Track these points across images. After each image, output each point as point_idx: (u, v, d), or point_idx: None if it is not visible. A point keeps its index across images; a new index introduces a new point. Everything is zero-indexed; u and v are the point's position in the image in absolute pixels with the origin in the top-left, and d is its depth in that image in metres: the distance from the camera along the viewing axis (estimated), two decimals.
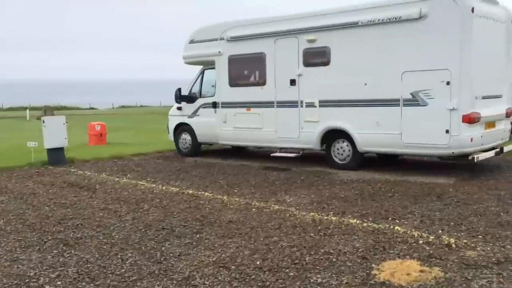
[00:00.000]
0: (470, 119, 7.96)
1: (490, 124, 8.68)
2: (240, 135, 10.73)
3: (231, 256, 4.73)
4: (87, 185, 8.44)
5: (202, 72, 11.64)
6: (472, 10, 7.81)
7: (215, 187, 8.15)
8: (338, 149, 9.47)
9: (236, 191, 7.79)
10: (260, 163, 10.37)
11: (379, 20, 8.59)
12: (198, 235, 5.41)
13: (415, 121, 8.38)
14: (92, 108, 49.96)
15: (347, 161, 9.38)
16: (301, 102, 9.70)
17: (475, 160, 8.06)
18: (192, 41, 11.47)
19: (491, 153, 8.59)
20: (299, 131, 9.78)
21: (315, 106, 9.53)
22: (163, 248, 4.99)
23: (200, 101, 11.54)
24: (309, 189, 7.76)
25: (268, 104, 10.20)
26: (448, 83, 7.99)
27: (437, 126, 8.13)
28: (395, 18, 8.41)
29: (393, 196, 7.09)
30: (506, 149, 8.92)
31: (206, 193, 7.64)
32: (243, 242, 5.15)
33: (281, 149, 10.24)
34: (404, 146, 8.53)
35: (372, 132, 8.87)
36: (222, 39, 10.80)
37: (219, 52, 10.84)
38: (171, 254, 4.80)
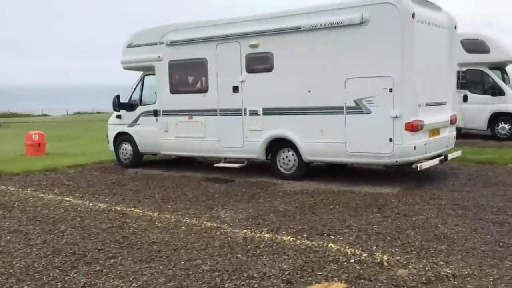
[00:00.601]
0: (413, 127, 7.75)
1: (435, 131, 8.54)
2: (183, 144, 10.18)
3: (143, 285, 4.21)
4: (5, 202, 7.68)
5: (143, 78, 11.03)
6: (413, 15, 7.63)
7: (148, 202, 7.59)
8: (283, 158, 9.09)
9: (169, 206, 7.26)
10: (204, 174, 9.87)
11: (321, 25, 8.30)
12: (112, 261, 4.86)
13: (359, 130, 8.11)
14: (45, 115, 47.93)
15: (292, 171, 9.01)
16: (245, 110, 9.28)
17: (418, 169, 7.85)
18: (130, 45, 10.86)
19: (436, 161, 8.43)
20: (243, 140, 9.35)
21: (259, 114, 9.13)
22: (67, 278, 4.41)
23: (140, 109, 10.92)
24: (249, 202, 7.33)
25: (210, 112, 9.73)
26: (390, 90, 7.76)
27: (381, 135, 7.88)
28: (337, 23, 8.14)
29: (334, 209, 6.76)
30: (450, 156, 8.80)
31: (136, 210, 7.08)
32: (161, 267, 4.64)
33: (225, 159, 9.79)
34: (349, 155, 8.25)
35: (316, 141, 8.54)
36: (162, 43, 10.25)
37: (159, 57, 10.28)
38: (74, 286, 4.24)
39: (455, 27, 9.16)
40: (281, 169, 9.13)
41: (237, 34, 9.22)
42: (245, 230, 5.83)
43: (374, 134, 7.95)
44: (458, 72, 15.52)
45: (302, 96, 8.62)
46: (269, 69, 8.96)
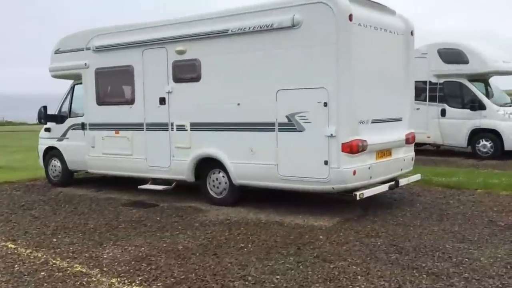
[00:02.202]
0: (352, 148, 6.58)
1: (384, 152, 7.36)
2: (110, 162, 9.00)
3: None
4: None
5: (72, 88, 9.90)
6: (350, 17, 6.49)
7: (35, 234, 6.39)
8: (213, 181, 7.89)
9: (55, 240, 6.07)
10: (130, 197, 8.68)
11: (250, 28, 7.17)
12: None
13: (292, 150, 6.93)
14: None
15: (223, 196, 7.81)
16: (172, 124, 8.19)
17: (358, 197, 6.61)
18: (57, 51, 9.77)
19: (383, 188, 7.21)
20: (170, 159, 8.22)
21: (186, 130, 8.00)
22: None
23: (69, 122, 9.79)
24: (151, 236, 6.14)
25: (137, 127, 8.59)
26: (325, 104, 6.60)
27: (315, 157, 6.71)
28: (267, 26, 7.00)
29: (244, 248, 5.56)
30: (402, 182, 7.59)
31: (10, 245, 5.88)
32: None
33: (153, 181, 8.64)
34: (281, 179, 7.05)
35: (247, 162, 7.36)
36: (88, 49, 9.16)
37: (85, 64, 9.18)
38: None
39: (412, 33, 8.03)
40: (212, 193, 7.94)
41: (163, 39, 8.08)
42: (113, 280, 4.63)
43: (308, 155, 6.78)
44: (436, 84, 14.56)
45: (231, 109, 7.47)
46: (197, 79, 7.82)
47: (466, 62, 13.74)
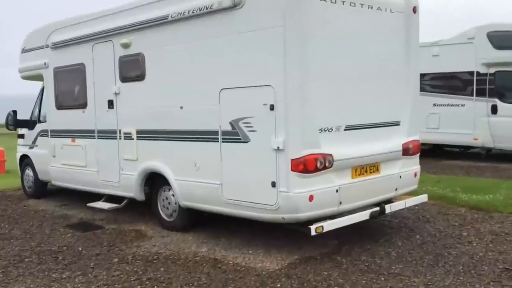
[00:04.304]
0: (306, 166, 4.87)
1: (367, 168, 5.59)
2: (67, 174, 7.91)
3: None
4: None
5: (42, 90, 9.06)
6: None
7: None
8: (163, 200, 6.58)
9: None
10: (87, 214, 7.56)
11: (189, 11, 5.69)
12: None
13: (236, 166, 5.38)
14: None
15: (173, 218, 6.43)
16: (120, 132, 6.95)
17: (312, 233, 4.88)
18: (23, 50, 8.86)
19: (360, 217, 5.42)
20: (119, 172, 7.02)
21: (133, 139, 6.72)
22: None
23: (38, 128, 8.89)
24: (46, 277, 4.90)
25: (89, 134, 7.41)
26: (271, 107, 5.01)
27: (261, 176, 5.10)
28: (206, 8, 5.48)
29: None
30: (389, 208, 5.71)
31: None
32: None
33: (105, 197, 7.47)
34: (226, 203, 5.50)
35: (191, 179, 5.90)
36: (47, 46, 8.18)
37: (45, 63, 8.16)
38: None
39: (414, 10, 6.15)
40: (162, 214, 6.58)
41: (109, 30, 6.82)
42: None
43: (253, 174, 5.19)
44: (485, 75, 12.11)
45: (174, 114, 6.04)
46: (141, 77, 6.48)
47: None
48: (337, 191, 5.16)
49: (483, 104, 11.88)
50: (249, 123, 5.19)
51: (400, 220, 6.55)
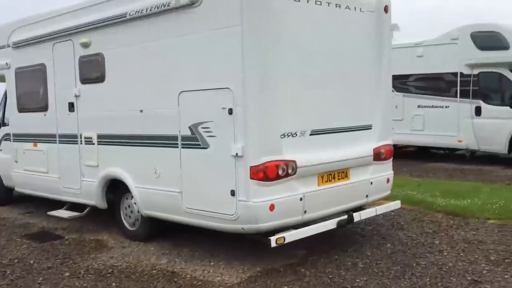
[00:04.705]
0: (266, 173, 4.55)
1: (335, 174, 5.30)
2: (30, 180, 7.54)
3: None
4: None
5: (6, 92, 8.72)
6: None
7: None
8: (126, 208, 6.25)
9: None
10: (50, 223, 7.16)
11: (147, 9, 5.37)
12: None
13: (196, 174, 5.07)
14: None
15: (136, 228, 6.12)
16: (81, 136, 6.63)
17: (273, 244, 4.57)
18: None
19: (326, 226, 5.09)
20: (80, 179, 6.69)
21: (94, 144, 6.41)
22: None
23: (2, 131, 8.52)
24: None
25: (51, 138, 7.06)
26: (230, 111, 4.74)
27: (220, 184, 4.80)
28: (164, 6, 5.15)
29: None
30: (359, 215, 5.38)
31: None
32: None
33: (68, 205, 7.14)
34: (187, 213, 5.18)
35: (152, 187, 5.59)
36: (9, 45, 7.82)
37: (7, 64, 7.76)
38: None
39: (386, 10, 5.88)
40: (125, 223, 6.27)
41: (69, 29, 6.50)
42: None
43: (213, 182, 4.89)
44: (469, 76, 11.88)
45: (134, 118, 5.72)
46: (101, 79, 6.16)
47: (506, 47, 10.94)
48: (301, 199, 4.87)
49: (467, 106, 11.64)
50: (208, 128, 4.89)
51: (373, 228, 6.28)
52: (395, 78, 13.10)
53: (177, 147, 5.22)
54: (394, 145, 12.67)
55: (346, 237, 5.88)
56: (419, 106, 12.58)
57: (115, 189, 6.28)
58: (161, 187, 5.44)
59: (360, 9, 5.59)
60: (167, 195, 5.37)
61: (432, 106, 12.34)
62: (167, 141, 5.34)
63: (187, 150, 5.13)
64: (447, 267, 4.73)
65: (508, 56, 10.89)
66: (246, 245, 5.53)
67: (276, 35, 4.69)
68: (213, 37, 4.75)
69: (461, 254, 5.10)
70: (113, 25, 5.83)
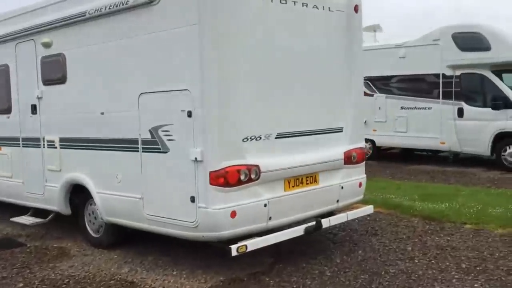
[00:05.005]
0: (227, 179, 4.34)
1: (303, 179, 5.10)
2: None
3: None
4: None
5: None
6: None
7: None
8: (90, 214, 6.02)
9: None
10: (14, 230, 6.85)
11: (106, 7, 5.15)
12: None
13: (156, 179, 4.85)
14: None
15: (100, 234, 5.89)
16: (43, 139, 6.37)
17: (234, 253, 4.34)
18: None
19: (294, 232, 4.85)
20: (44, 184, 6.44)
21: (56, 147, 6.15)
22: None
23: None
24: None
25: (14, 142, 6.77)
26: (189, 114, 4.53)
27: (181, 190, 4.58)
28: (123, 4, 4.94)
29: None
30: (328, 221, 5.18)
31: None
32: None
33: (32, 211, 6.88)
34: (148, 219, 4.95)
35: (113, 192, 5.35)
36: None
37: None
38: None
39: (356, 9, 5.68)
40: (89, 230, 6.03)
41: (31, 28, 6.24)
42: None
43: (173, 188, 4.67)
44: (451, 77, 11.76)
45: (95, 121, 5.50)
46: (63, 80, 5.90)
47: (487, 48, 10.83)
48: (265, 205, 4.66)
49: (449, 107, 11.51)
50: (168, 131, 4.67)
51: (347, 233, 6.09)
52: (378, 79, 13.50)
53: (138, 151, 4.99)
54: (378, 147, 13.35)
55: (317, 244, 5.69)
56: (402, 108, 12.45)
57: (79, 194, 6.07)
58: (122, 192, 5.20)
59: (329, 8, 5.40)
60: (128, 201, 5.14)
61: (415, 108, 12.21)
62: (127, 145, 5.11)
63: (148, 154, 4.90)
64: (416, 275, 4.55)
65: (490, 57, 10.79)
66: (212, 252, 5.33)
67: (237, 35, 4.48)
68: (171, 36, 4.54)
69: (433, 261, 4.92)
70: (73, 24, 5.60)
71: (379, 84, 12.95)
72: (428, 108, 11.97)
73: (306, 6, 5.15)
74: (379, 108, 12.87)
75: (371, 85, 13.00)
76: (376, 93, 12.92)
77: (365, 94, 13.48)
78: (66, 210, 6.17)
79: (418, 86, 12.21)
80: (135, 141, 5.01)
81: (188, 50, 4.40)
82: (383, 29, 14.22)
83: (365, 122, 13.52)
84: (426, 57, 11.87)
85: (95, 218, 5.84)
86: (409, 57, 12.20)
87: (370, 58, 13.36)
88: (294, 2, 5.00)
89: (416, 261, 4.95)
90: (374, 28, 14.19)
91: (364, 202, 7.48)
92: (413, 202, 7.47)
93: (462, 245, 5.40)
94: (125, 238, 5.82)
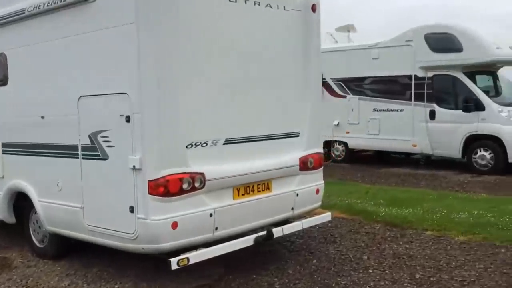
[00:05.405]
0: (168, 188, 4.07)
1: (254, 186, 4.85)
2: None
3: None
4: None
5: None
6: None
7: None
8: (34, 223, 5.66)
9: None
10: None
11: (45, 5, 4.84)
12: None
13: (96, 187, 4.57)
14: None
15: (45, 244, 5.57)
16: None
17: (174, 266, 4.07)
18: None
19: (243, 242, 4.59)
20: None
21: None
22: None
23: None
24: None
25: None
26: (127, 119, 4.28)
27: (119, 200, 4.31)
28: (61, 1, 4.65)
29: None
30: (281, 231, 4.92)
31: None
32: None
33: None
34: (89, 230, 4.68)
35: (54, 201, 5.02)
36: None
37: None
38: None
39: (314, 9, 5.46)
40: (34, 239, 5.68)
41: None
42: None
43: (112, 197, 4.41)
44: (423, 78, 11.64)
45: (36, 125, 5.18)
46: (4, 82, 5.55)
47: (459, 49, 10.74)
48: (211, 215, 4.41)
49: (421, 109, 11.40)
50: (107, 137, 4.40)
51: (304, 241, 5.88)
52: (351, 80, 13.34)
53: (78, 157, 4.72)
54: (351, 150, 13.20)
55: (273, 253, 5.47)
56: (374, 110, 12.31)
57: (23, 202, 5.75)
58: (63, 201, 4.89)
59: (284, 7, 5.17)
60: (69, 210, 4.84)
61: (388, 110, 12.07)
62: (68, 151, 4.81)
63: (87, 161, 4.62)
64: (367, 287, 4.38)
65: (462, 58, 10.71)
66: (161, 264, 5.07)
67: (180, 34, 4.23)
68: (109, 36, 4.27)
69: (387, 271, 4.73)
70: (13, 23, 5.27)
71: (352, 85, 12.81)
72: (401, 110, 11.85)
73: (259, 4, 4.91)
74: (352, 110, 12.75)
75: (344, 86, 12.89)
76: (349, 94, 12.78)
77: (338, 95, 13.49)
78: (10, 218, 5.84)
79: (391, 87, 12.08)
80: (75, 147, 4.72)
81: (125, 51, 4.13)
82: (356, 29, 14.09)
83: (338, 124, 13.73)
84: (399, 58, 11.74)
85: (40, 227, 5.53)
86: (382, 58, 12.07)
87: (344, 59, 13.39)
88: (245, 0, 4.76)
89: (370, 271, 4.76)
90: (348, 28, 14.06)
91: (329, 207, 7.38)
92: (378, 208, 7.31)
93: (420, 253, 5.24)
94: (71, 248, 5.54)
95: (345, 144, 12.93)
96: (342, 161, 12.91)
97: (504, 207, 6.93)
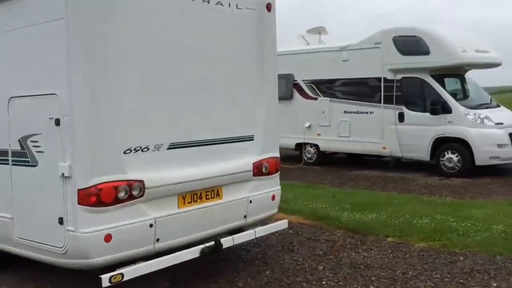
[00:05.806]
0: (100, 197, 3.74)
1: (203, 194, 4.57)
2: None
3: None
4: None
5: None
6: None
7: None
8: None
9: None
10: None
11: None
12: None
13: (26, 197, 4.21)
14: None
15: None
16: None
17: (105, 283, 3.70)
18: None
19: (187, 254, 4.25)
20: None
21: None
22: None
23: None
24: None
25: None
26: (57, 122, 3.96)
27: (48, 210, 3.96)
28: None
29: None
30: (231, 241, 4.63)
31: None
32: None
33: None
34: (18, 242, 4.32)
35: None
36: None
37: None
38: None
39: (269, 8, 5.19)
40: None
41: None
42: None
43: (41, 207, 4.04)
44: (392, 81, 11.53)
45: None
46: None
47: (426, 52, 10.64)
48: (151, 225, 4.09)
49: (390, 112, 11.27)
50: (37, 141, 4.05)
51: (261, 250, 5.61)
52: (322, 82, 13.16)
53: (8, 164, 4.36)
54: (323, 152, 13.02)
55: (226, 263, 5.18)
56: (345, 112, 12.14)
57: None
58: None
59: (237, 5, 4.89)
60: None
61: (358, 112, 11.93)
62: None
63: (17, 167, 4.25)
64: None
65: (429, 61, 10.61)
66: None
67: (116, 31, 3.89)
68: (38, 32, 3.94)
69: (341, 283, 4.49)
70: None
71: (323, 87, 12.64)
72: (370, 113, 11.72)
73: (208, 2, 4.63)
74: (323, 112, 12.56)
75: (315, 88, 12.71)
76: (320, 96, 12.60)
77: (310, 97, 13.30)
78: None
79: (360, 90, 11.93)
80: (5, 153, 4.34)
81: (55, 48, 3.80)
82: (328, 31, 13.94)
83: (309, 126, 13.56)
84: (368, 61, 11.61)
85: None
86: (352, 60, 11.92)
87: (315, 60, 13.23)
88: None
89: (324, 282, 4.51)
90: (319, 30, 13.90)
91: (293, 212, 7.16)
92: (341, 213, 7.08)
93: (378, 262, 5.02)
94: (4, 262, 5.13)
95: (316, 146, 12.74)
96: (313, 164, 12.74)
97: (467, 212, 6.80)
